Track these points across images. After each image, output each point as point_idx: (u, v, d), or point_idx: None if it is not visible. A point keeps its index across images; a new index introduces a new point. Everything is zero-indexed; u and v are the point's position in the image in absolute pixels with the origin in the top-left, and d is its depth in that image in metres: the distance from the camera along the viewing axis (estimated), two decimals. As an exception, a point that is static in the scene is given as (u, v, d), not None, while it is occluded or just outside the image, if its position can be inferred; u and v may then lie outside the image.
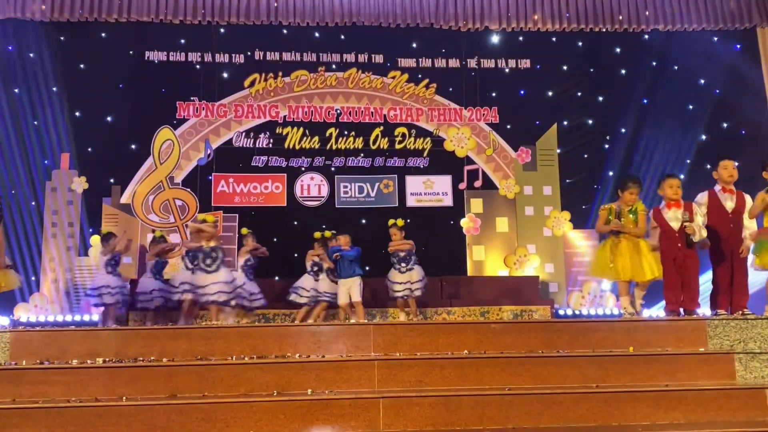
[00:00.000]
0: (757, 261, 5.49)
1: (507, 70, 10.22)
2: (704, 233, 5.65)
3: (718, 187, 5.87)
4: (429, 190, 9.87)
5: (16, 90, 9.41)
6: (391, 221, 7.69)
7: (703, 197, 5.88)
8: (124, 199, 9.38)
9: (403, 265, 7.43)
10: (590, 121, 10.21)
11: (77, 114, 9.53)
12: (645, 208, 5.91)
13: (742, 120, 10.07)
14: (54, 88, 9.51)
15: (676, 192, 5.73)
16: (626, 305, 5.86)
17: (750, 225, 5.76)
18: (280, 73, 9.89)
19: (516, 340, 4.77)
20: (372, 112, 9.96)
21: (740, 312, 5.48)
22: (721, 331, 4.81)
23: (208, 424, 3.90)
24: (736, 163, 6.05)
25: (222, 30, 9.77)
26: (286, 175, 9.70)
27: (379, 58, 10.09)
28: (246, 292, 7.38)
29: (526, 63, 10.21)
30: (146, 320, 7.69)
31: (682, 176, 6.16)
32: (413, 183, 9.87)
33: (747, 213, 5.72)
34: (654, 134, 10.03)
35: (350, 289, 7.34)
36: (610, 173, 9.97)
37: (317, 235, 7.74)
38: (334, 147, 9.81)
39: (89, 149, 9.43)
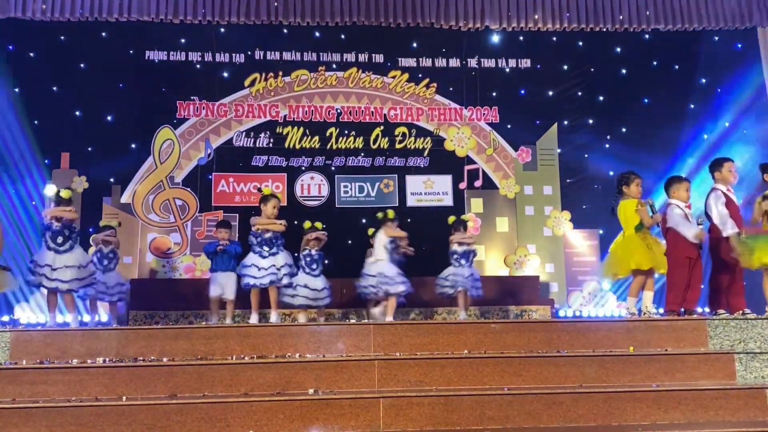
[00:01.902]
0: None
1: (507, 70, 10.21)
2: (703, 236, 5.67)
3: (724, 187, 5.85)
4: (429, 190, 9.87)
5: (16, 90, 9.40)
6: (266, 189, 6.47)
7: (719, 196, 5.78)
8: (124, 198, 9.38)
9: (266, 248, 6.20)
10: (590, 121, 10.20)
11: (77, 114, 9.52)
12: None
13: (743, 120, 10.05)
14: (54, 88, 9.50)
15: (689, 196, 5.78)
16: (631, 305, 5.84)
17: None
18: (281, 73, 9.89)
19: (516, 340, 4.78)
20: (372, 112, 9.95)
21: (740, 312, 5.48)
22: (721, 331, 4.82)
23: (208, 424, 3.90)
24: (738, 164, 6.07)
25: (222, 30, 9.76)
26: (286, 174, 9.69)
27: (379, 58, 10.09)
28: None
29: (526, 63, 10.21)
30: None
31: (683, 175, 6.14)
32: (413, 183, 9.86)
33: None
34: (654, 134, 10.01)
35: (225, 285, 6.71)
36: (610, 173, 9.92)
37: (451, 219, 7.50)
38: (334, 147, 9.80)
39: (89, 149, 9.42)
